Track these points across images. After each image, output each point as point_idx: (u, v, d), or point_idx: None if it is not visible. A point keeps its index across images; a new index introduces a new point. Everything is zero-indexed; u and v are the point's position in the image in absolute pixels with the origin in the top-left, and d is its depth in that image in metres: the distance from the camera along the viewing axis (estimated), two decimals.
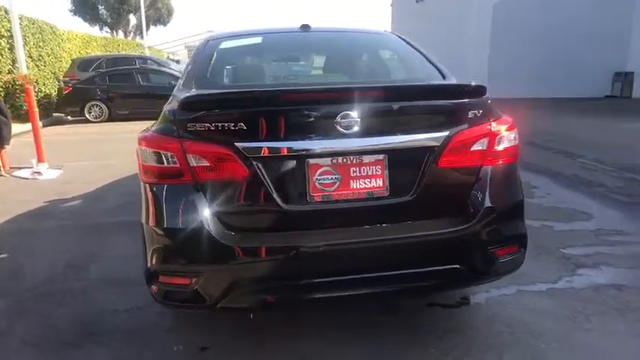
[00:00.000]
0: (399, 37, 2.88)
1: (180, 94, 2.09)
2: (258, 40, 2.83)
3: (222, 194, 1.83)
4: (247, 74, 2.65)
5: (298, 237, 1.84)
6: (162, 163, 1.84)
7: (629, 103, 14.64)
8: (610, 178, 5.22)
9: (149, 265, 1.90)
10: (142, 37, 31.03)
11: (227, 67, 2.50)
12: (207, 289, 1.84)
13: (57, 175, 6.08)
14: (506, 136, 2.02)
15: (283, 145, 1.82)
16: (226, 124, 1.79)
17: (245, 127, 1.80)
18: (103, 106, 12.45)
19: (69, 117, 12.87)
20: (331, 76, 2.72)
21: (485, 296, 2.59)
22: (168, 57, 32.47)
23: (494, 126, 1.99)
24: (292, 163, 1.85)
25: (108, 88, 12.44)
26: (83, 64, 14.45)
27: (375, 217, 1.91)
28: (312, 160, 1.85)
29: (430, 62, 2.52)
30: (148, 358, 2.17)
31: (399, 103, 1.90)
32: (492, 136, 1.98)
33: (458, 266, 1.95)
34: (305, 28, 2.89)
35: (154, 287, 1.91)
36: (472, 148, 1.96)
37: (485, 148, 1.97)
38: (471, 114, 1.96)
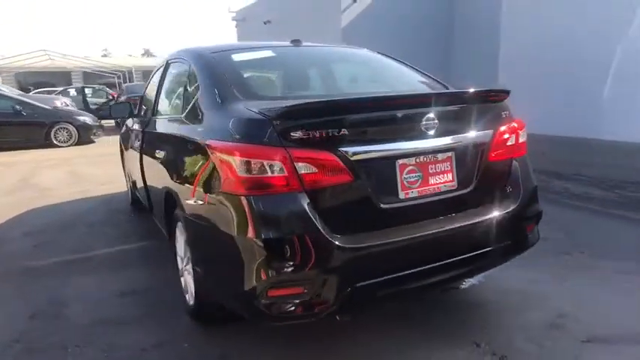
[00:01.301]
0: (379, 53, 3.17)
1: (236, 106, 2.09)
2: (269, 53, 2.84)
3: (328, 199, 1.87)
4: (290, 84, 2.64)
5: (397, 232, 1.97)
6: (267, 173, 1.80)
7: None
8: None
9: (254, 281, 1.82)
10: None
11: (262, 78, 2.48)
12: (323, 294, 1.85)
13: None
14: (522, 132, 2.44)
15: (379, 148, 1.95)
16: (329, 131, 1.85)
17: (347, 133, 1.88)
18: None
19: None
20: (361, 85, 2.85)
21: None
22: None
23: (516, 124, 2.39)
24: (386, 164, 1.98)
25: None
26: None
27: (449, 208, 2.14)
28: (401, 161, 2.00)
29: (424, 73, 2.88)
30: None
31: (462, 106, 2.17)
32: (517, 132, 2.38)
33: (509, 242, 2.29)
34: (297, 43, 3.00)
35: (263, 304, 1.83)
36: (507, 143, 2.32)
37: (513, 142, 2.36)
38: (503, 114, 2.34)
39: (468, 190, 2.19)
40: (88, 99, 18.20)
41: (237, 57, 2.65)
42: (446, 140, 2.10)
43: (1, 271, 3.45)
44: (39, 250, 3.88)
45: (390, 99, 2.12)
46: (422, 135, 2.03)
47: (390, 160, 1.98)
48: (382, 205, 1.97)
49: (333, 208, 1.87)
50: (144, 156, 3.41)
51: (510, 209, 2.26)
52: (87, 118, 11.99)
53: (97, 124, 12.21)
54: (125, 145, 4.58)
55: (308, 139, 1.83)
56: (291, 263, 1.80)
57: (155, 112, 3.39)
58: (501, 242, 2.26)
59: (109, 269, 3.42)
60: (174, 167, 2.49)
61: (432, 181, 2.09)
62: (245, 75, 2.47)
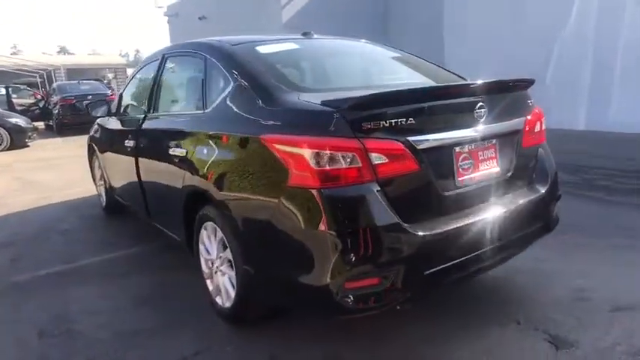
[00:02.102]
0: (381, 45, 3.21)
1: (289, 99, 2.03)
2: (292, 45, 2.75)
3: (398, 188, 1.86)
4: (325, 76, 2.58)
5: (457, 218, 2.01)
6: (342, 165, 1.77)
7: None
8: None
9: (330, 275, 1.77)
10: None
11: (296, 70, 2.40)
12: (398, 284, 1.85)
13: None
14: (543, 119, 2.57)
15: (441, 137, 1.98)
16: (398, 121, 1.85)
17: (413, 122, 1.89)
18: None
19: None
20: (390, 76, 2.81)
21: None
22: None
23: (538, 111, 2.52)
24: (445, 152, 2.01)
25: None
26: None
27: (495, 193, 2.21)
28: (457, 148, 2.04)
29: (433, 63, 2.94)
30: None
31: (503, 95, 2.25)
32: (541, 120, 2.50)
33: (542, 223, 2.41)
34: (309, 35, 2.96)
35: (339, 297, 1.79)
36: (535, 130, 2.44)
37: (539, 129, 2.48)
38: (530, 102, 2.45)
39: (508, 175, 2.27)
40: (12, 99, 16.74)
41: (262, 49, 2.56)
42: (492, 128, 2.16)
43: None
44: (19, 264, 3.55)
45: (450, 88, 2.16)
46: (473, 123, 2.08)
47: (449, 148, 2.02)
48: (444, 193, 2.00)
49: (402, 198, 1.87)
50: (141, 157, 3.21)
51: (542, 192, 2.38)
52: (19, 120, 11.06)
53: (31, 126, 11.29)
54: (101, 146, 4.28)
55: (378, 129, 1.82)
56: (369, 255, 1.78)
57: (153, 109, 3.20)
58: (537, 223, 2.38)
59: (106, 279, 3.20)
60: (205, 165, 2.36)
61: (481, 167, 2.15)
62: (279, 67, 2.39)
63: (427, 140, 1.92)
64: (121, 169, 3.76)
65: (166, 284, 3.05)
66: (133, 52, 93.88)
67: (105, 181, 4.41)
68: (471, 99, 2.07)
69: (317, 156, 1.77)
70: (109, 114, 4.01)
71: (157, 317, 2.63)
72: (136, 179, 3.36)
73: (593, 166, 5.73)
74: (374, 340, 2.28)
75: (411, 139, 1.87)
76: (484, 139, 2.15)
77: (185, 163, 2.55)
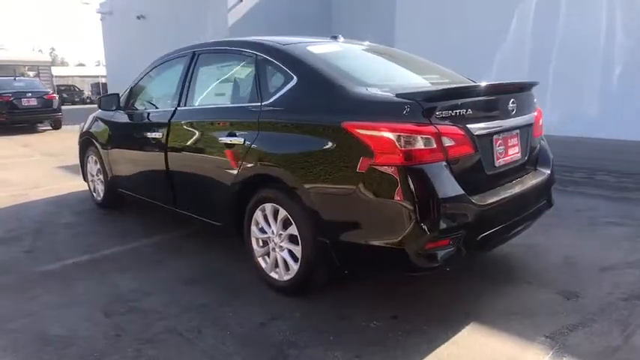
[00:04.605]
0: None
1: (364, 91, 2.39)
2: (336, 47, 3.07)
3: (461, 167, 2.29)
4: (374, 73, 2.91)
5: (498, 193, 2.47)
6: (422, 146, 2.15)
7: None
8: None
9: (415, 238, 2.15)
10: None
11: (349, 68, 2.74)
12: (462, 245, 2.26)
13: None
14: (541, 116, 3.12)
15: (487, 125, 2.44)
16: (460, 111, 2.27)
17: (471, 113, 2.32)
18: None
19: None
20: (423, 75, 3.16)
21: None
22: None
23: (540, 109, 3.06)
24: (488, 139, 2.46)
25: None
26: None
27: (517, 173, 2.72)
28: (495, 136, 2.50)
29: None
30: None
31: (525, 93, 2.75)
32: (541, 115, 3.04)
33: (546, 200, 2.94)
34: (337, 38, 3.32)
35: (420, 256, 2.18)
36: (539, 123, 2.98)
37: (541, 123, 3.02)
38: (535, 100, 2.98)
39: (524, 159, 2.78)
40: None
41: (313, 49, 2.88)
42: (516, 120, 2.65)
43: (19, 278, 3.12)
44: (37, 256, 3.54)
45: (497, 86, 2.59)
46: (506, 115, 2.56)
47: (490, 136, 2.47)
48: (487, 172, 2.45)
49: (463, 175, 2.29)
50: (172, 148, 3.37)
51: (547, 174, 2.92)
52: None
53: None
54: (106, 140, 4.31)
55: (446, 117, 2.23)
56: (445, 219, 2.19)
57: (186, 102, 3.37)
58: (543, 198, 2.91)
59: (142, 265, 3.32)
60: (272, 151, 2.64)
61: (509, 152, 2.63)
62: (337, 64, 2.72)
63: (479, 128, 2.37)
64: (138, 161, 3.87)
65: (206, 266, 3.25)
66: (47, 49, 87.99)
67: (106, 174, 4.44)
68: (507, 95, 2.55)
69: (402, 138, 2.14)
70: (119, 108, 4.08)
71: (214, 293, 2.84)
72: (161, 169, 3.51)
73: None
74: (420, 300, 2.69)
75: (469, 126, 2.31)
76: (511, 129, 2.63)
77: (242, 150, 2.79)
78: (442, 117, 2.22)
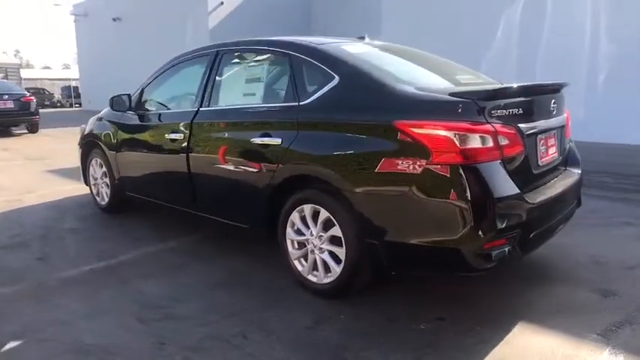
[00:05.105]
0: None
1: (414, 91, 2.38)
2: (369, 47, 3.04)
3: (514, 166, 2.29)
4: (410, 72, 2.88)
5: (544, 191, 2.48)
6: (480, 145, 2.14)
7: None
8: None
9: (474, 238, 2.14)
10: None
11: (391, 67, 2.71)
12: (516, 244, 2.26)
13: None
14: None
15: (534, 125, 2.45)
16: (512, 110, 2.28)
17: (521, 112, 2.32)
18: None
19: None
20: (453, 76, 3.14)
21: None
22: None
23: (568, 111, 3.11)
24: (534, 138, 2.47)
25: None
26: None
27: (555, 172, 2.74)
28: (539, 135, 2.52)
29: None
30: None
31: (560, 94, 2.78)
32: (569, 116, 3.09)
33: (577, 198, 2.98)
34: (363, 39, 3.30)
35: (479, 256, 2.16)
36: (569, 125, 3.02)
37: (569, 125, 3.07)
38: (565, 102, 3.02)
39: (560, 159, 2.81)
40: None
41: (349, 49, 2.84)
42: (555, 121, 2.68)
43: (38, 286, 2.96)
44: (50, 263, 3.37)
45: (542, 86, 2.62)
46: (548, 116, 2.58)
47: (535, 135, 2.48)
48: (534, 171, 2.46)
49: (515, 173, 2.29)
50: (196, 149, 3.27)
51: (578, 174, 2.96)
52: None
53: None
54: (115, 143, 4.15)
55: (500, 116, 2.23)
56: (503, 219, 2.18)
57: (209, 102, 3.28)
58: (575, 199, 2.94)
59: (165, 270, 3.19)
60: (314, 151, 2.58)
61: (549, 152, 2.65)
62: (376, 64, 2.69)
63: (528, 127, 2.38)
64: (153, 163, 3.75)
65: (231, 270, 3.15)
66: (12, 52, 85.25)
67: (113, 178, 4.28)
68: (549, 96, 2.57)
69: (460, 137, 2.12)
70: (130, 109, 3.95)
71: (250, 298, 2.75)
72: (181, 171, 3.40)
73: None
74: (462, 301, 2.67)
75: (521, 125, 2.31)
76: (551, 129, 2.65)
77: (279, 150, 2.72)
78: (497, 116, 2.22)
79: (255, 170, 2.88)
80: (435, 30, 10.45)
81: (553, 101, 2.60)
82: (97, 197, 4.66)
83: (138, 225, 4.20)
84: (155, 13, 19.52)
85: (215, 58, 3.34)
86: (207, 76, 3.35)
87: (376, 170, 2.32)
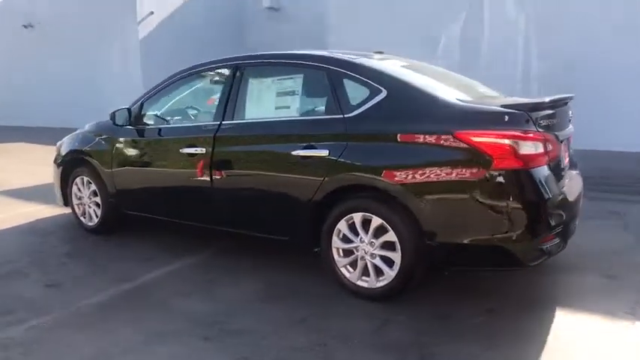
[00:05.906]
0: None
1: (462, 103, 2.62)
2: (400, 62, 3.22)
3: (553, 168, 2.59)
4: (451, 87, 3.04)
5: (570, 188, 2.83)
6: (534, 151, 2.41)
7: None
8: None
9: (533, 235, 2.41)
10: None
11: (435, 82, 2.93)
12: (561, 240, 2.56)
13: None
14: None
15: (562, 133, 2.80)
16: (552, 120, 2.59)
17: (555, 122, 2.64)
18: None
19: None
20: (475, 89, 3.38)
21: None
22: None
23: None
24: (561, 144, 2.80)
25: None
26: None
27: (567, 176, 3.08)
28: (564, 142, 2.86)
29: None
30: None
31: (570, 106, 3.15)
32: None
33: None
34: (383, 53, 3.50)
35: (536, 251, 2.42)
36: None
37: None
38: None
39: (569, 164, 3.18)
40: None
41: (386, 64, 3.03)
42: (569, 130, 3.05)
43: (70, 315, 2.78)
44: (64, 290, 3.14)
45: (566, 99, 2.92)
46: (567, 124, 2.95)
47: (561, 142, 2.82)
48: (562, 173, 2.79)
49: (555, 176, 2.60)
50: (224, 164, 3.24)
51: (579, 174, 3.36)
52: None
53: None
54: (113, 159, 3.94)
55: (545, 125, 2.53)
56: (554, 216, 2.48)
57: (234, 116, 3.27)
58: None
59: (198, 286, 3.13)
60: (369, 160, 2.72)
61: (567, 155, 3.02)
62: (419, 78, 2.90)
63: (560, 135, 2.72)
64: (162, 179, 3.64)
65: (267, 282, 3.16)
66: None
67: (105, 196, 4.05)
68: (567, 107, 2.93)
69: (518, 144, 2.38)
70: (130, 124, 3.80)
71: (301, 308, 2.79)
72: (201, 186, 3.35)
73: None
74: (501, 292, 2.93)
75: (556, 133, 2.63)
76: (566, 137, 3.01)
77: (326, 161, 2.81)
78: (542, 125, 2.51)
79: (296, 182, 2.94)
80: (384, 46, 10.90)
81: (570, 112, 2.97)
82: (82, 218, 4.36)
83: (138, 244, 4.00)
84: (76, 20, 18.32)
85: (235, 72, 3.34)
86: (227, 89, 3.34)
87: (436, 177, 2.50)
